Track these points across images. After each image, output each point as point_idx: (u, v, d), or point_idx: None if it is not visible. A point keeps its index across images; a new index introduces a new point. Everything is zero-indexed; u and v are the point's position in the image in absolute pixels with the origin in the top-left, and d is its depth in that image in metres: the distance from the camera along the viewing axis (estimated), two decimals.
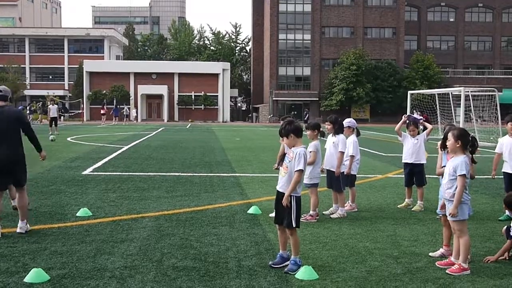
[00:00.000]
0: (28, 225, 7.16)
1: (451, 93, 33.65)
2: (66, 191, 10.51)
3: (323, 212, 8.68)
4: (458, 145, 5.75)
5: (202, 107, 70.23)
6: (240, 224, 7.78)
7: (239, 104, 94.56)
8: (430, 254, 6.37)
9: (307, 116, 50.36)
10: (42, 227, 7.41)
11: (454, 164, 5.75)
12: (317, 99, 69.56)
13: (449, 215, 5.74)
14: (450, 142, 5.82)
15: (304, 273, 5.41)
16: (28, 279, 5.15)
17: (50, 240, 6.70)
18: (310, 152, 8.16)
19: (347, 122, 9.10)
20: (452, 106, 33.05)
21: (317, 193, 8.34)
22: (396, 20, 71.14)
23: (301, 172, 5.61)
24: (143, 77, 69.16)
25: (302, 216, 8.09)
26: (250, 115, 78.75)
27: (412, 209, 9.17)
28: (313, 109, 69.33)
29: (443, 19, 76.40)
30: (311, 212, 8.22)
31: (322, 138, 8.34)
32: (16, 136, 7.04)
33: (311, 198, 8.26)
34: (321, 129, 8.28)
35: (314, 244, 6.75)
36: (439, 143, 6.28)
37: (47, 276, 5.23)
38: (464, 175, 5.65)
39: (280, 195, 5.76)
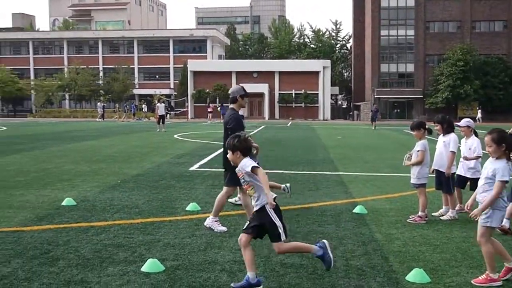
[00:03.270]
0: (213, 221, 7.32)
1: None
2: (175, 186, 10.93)
3: (433, 214, 8.38)
4: (503, 149, 5.15)
5: (303, 105, 70.35)
6: (346, 223, 7.70)
7: (339, 102, 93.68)
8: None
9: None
10: (155, 219, 7.76)
11: (494, 167, 5.17)
12: (421, 96, 67.34)
13: (474, 216, 5.20)
14: (492, 148, 5.19)
15: (415, 275, 5.25)
16: (145, 268, 5.41)
17: (163, 233, 7.01)
18: (418, 151, 7.95)
19: (465, 122, 8.58)
20: None
21: (425, 194, 8.07)
22: (507, 12, 67.18)
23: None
24: (244, 76, 70.43)
25: (410, 217, 7.91)
26: (351, 113, 77.76)
27: None
28: (417, 107, 67.22)
29: None
30: (420, 213, 7.96)
31: (428, 136, 8.08)
32: None
33: (419, 198, 8.01)
34: (426, 126, 8.03)
35: (425, 246, 6.53)
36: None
37: (162, 267, 5.46)
38: (504, 182, 5.10)
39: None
